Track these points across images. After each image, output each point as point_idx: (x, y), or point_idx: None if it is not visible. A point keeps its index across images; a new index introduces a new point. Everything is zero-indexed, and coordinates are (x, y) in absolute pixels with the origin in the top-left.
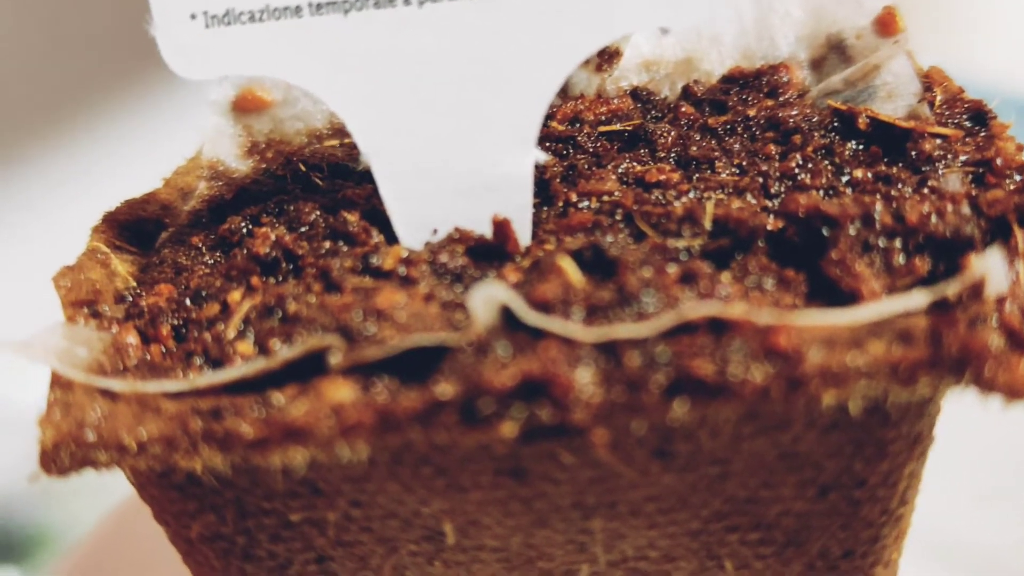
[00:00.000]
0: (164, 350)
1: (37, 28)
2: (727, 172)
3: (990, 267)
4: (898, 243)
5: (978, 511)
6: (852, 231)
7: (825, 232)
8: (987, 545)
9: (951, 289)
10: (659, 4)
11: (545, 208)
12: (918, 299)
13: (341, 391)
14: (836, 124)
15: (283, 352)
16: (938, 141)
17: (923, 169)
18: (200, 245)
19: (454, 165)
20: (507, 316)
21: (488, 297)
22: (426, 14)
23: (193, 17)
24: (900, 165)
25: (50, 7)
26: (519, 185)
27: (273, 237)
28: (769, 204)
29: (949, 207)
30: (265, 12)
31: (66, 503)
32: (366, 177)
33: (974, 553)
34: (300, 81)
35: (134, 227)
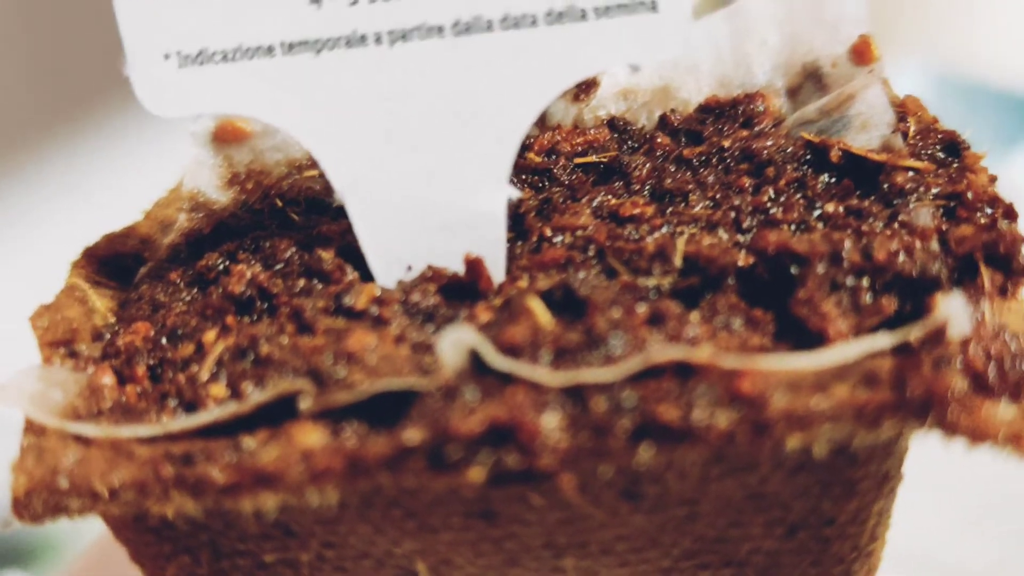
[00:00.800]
0: (139, 391)
1: (20, 46)
2: (701, 205)
3: (954, 309)
4: (866, 282)
5: (957, 532)
6: (820, 269)
7: (794, 270)
8: (967, 566)
9: (914, 334)
10: (630, 42)
11: (520, 243)
12: (882, 342)
13: (311, 436)
14: (809, 156)
15: (254, 396)
16: (910, 173)
17: (895, 202)
18: (178, 281)
19: (427, 202)
20: (476, 359)
21: (456, 341)
22: (397, 53)
23: (167, 57)
24: (872, 198)
25: (32, 24)
26: (493, 221)
27: (248, 275)
28: (740, 239)
29: (918, 244)
30: (238, 52)
31: None
32: (342, 212)
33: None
34: (273, 120)
35: (113, 261)
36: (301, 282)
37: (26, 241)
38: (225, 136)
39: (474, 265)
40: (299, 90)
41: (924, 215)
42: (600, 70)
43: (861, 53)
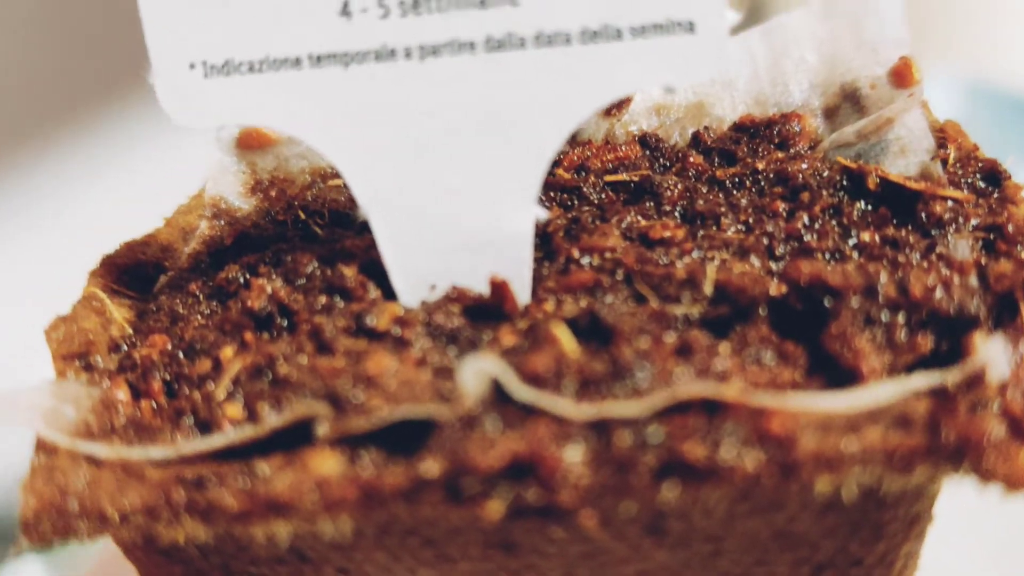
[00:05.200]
0: (154, 406)
1: (28, 38)
2: (733, 229)
3: (992, 352)
4: (901, 318)
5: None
6: (854, 303)
7: (827, 303)
8: None
9: (951, 378)
10: (665, 63)
11: (547, 263)
12: (917, 383)
13: (327, 463)
14: (846, 182)
15: (271, 419)
16: (949, 203)
17: (933, 233)
18: (197, 292)
19: (454, 220)
20: (498, 387)
21: (479, 370)
22: (428, 68)
23: (192, 67)
24: (909, 227)
25: (40, 18)
26: (520, 241)
27: (268, 290)
28: (773, 267)
29: (956, 279)
30: (264, 63)
31: None
32: (366, 226)
33: None
34: (299, 133)
35: (133, 270)
36: (322, 298)
37: (40, 235)
38: (249, 142)
39: (499, 287)
40: (326, 103)
41: (962, 248)
42: (634, 91)
43: (901, 76)
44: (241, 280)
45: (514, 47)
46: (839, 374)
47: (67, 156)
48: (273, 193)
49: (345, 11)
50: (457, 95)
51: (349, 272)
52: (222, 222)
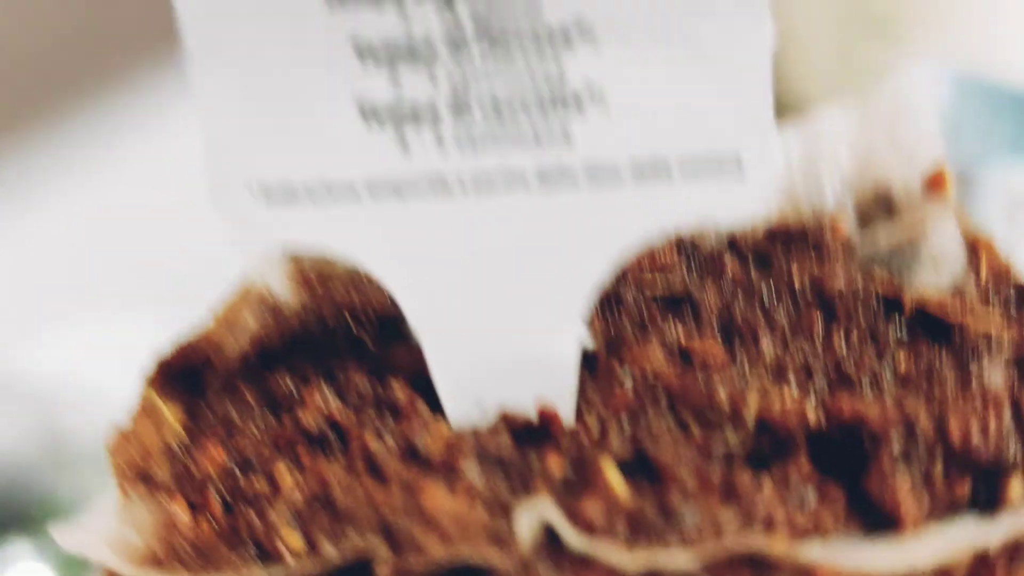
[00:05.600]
0: (213, 524)
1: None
2: (770, 348)
3: None
4: (939, 461)
5: None
6: (894, 444)
7: (867, 441)
8: None
9: (993, 537)
10: (713, 204)
11: (590, 379)
12: (961, 539)
13: None
14: (882, 300)
15: (331, 554)
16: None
17: (967, 358)
18: (249, 398)
19: (503, 344)
20: (550, 528)
21: (534, 516)
22: (480, 203)
23: (250, 191)
24: (944, 351)
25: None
26: (565, 366)
27: (321, 406)
28: (813, 393)
29: (992, 418)
30: (322, 190)
31: (77, 472)
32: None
33: None
34: (353, 256)
35: (185, 369)
36: (373, 414)
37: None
38: None
39: (546, 413)
40: (381, 231)
41: (996, 377)
42: (683, 226)
43: (935, 184)
44: (293, 391)
45: (566, 183)
46: (877, 514)
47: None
48: (318, 286)
49: (403, 144)
50: (509, 227)
51: (399, 388)
52: (269, 318)
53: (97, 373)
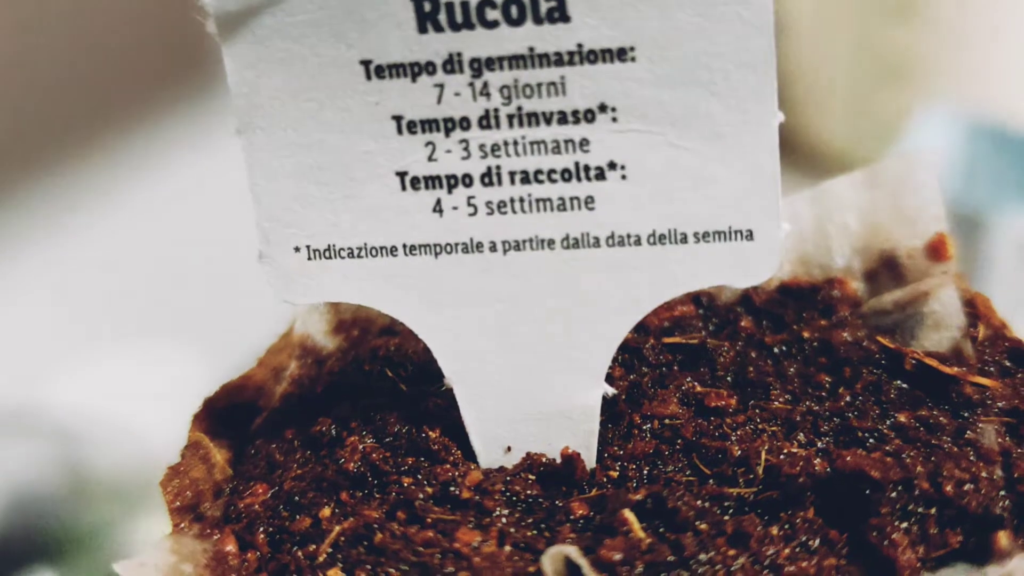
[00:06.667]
0: (260, 559)
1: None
2: (781, 400)
3: (1017, 565)
4: (934, 512)
5: None
6: (893, 496)
7: (868, 492)
8: None
9: None
10: (725, 266)
11: (611, 427)
12: None
13: None
14: (885, 360)
15: None
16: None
17: (963, 414)
18: (292, 439)
19: (530, 394)
20: (574, 568)
21: (558, 557)
22: (510, 260)
23: (297, 250)
24: (942, 407)
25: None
26: (588, 414)
27: (361, 450)
28: (819, 445)
29: (983, 473)
30: (363, 250)
31: (100, 504)
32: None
33: None
34: (391, 311)
35: (231, 411)
36: (410, 460)
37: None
38: None
39: (570, 459)
40: (417, 287)
41: (989, 433)
42: (695, 288)
43: (937, 250)
44: (333, 434)
45: (589, 246)
46: (876, 560)
47: (108, 158)
48: (355, 333)
49: (437, 208)
50: (536, 285)
51: (434, 435)
52: (310, 361)
53: (119, 407)
